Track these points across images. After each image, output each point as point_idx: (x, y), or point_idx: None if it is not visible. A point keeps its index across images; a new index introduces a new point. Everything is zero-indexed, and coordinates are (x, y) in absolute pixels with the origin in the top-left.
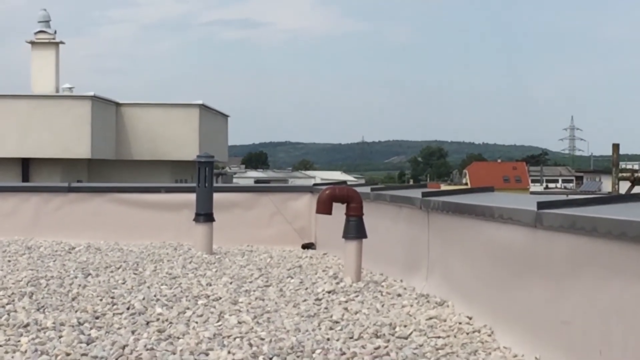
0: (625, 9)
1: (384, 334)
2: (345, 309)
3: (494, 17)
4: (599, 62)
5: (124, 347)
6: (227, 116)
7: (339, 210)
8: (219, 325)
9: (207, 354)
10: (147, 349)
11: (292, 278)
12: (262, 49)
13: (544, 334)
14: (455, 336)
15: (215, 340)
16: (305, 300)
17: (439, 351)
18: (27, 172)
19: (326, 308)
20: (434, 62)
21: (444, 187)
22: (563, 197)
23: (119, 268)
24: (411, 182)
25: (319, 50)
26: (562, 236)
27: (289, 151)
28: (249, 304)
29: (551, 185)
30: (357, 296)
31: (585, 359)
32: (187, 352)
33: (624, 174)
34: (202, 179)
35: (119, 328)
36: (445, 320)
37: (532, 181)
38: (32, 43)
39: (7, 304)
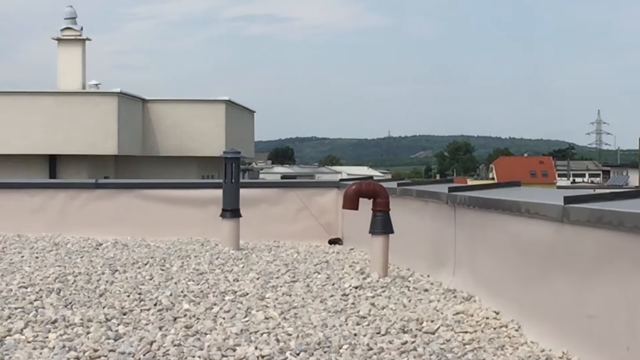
0: None
1: (411, 329)
2: (372, 304)
3: (520, 9)
4: (627, 55)
5: (151, 343)
6: (254, 112)
7: (366, 205)
8: (246, 321)
9: (234, 350)
10: (175, 345)
11: (319, 273)
12: (287, 44)
13: (571, 329)
14: (482, 331)
15: (242, 336)
16: (332, 296)
17: (466, 346)
18: (54, 168)
19: (353, 303)
20: (460, 56)
21: (470, 182)
22: (590, 192)
23: (146, 264)
24: (438, 177)
25: (345, 45)
26: (589, 231)
27: (316, 146)
28: (276, 299)
29: (578, 179)
30: (384, 291)
31: (612, 354)
32: (215, 348)
33: None
34: (229, 175)
35: (146, 324)
36: (472, 315)
37: (559, 175)
38: (59, 40)
39: (35, 300)
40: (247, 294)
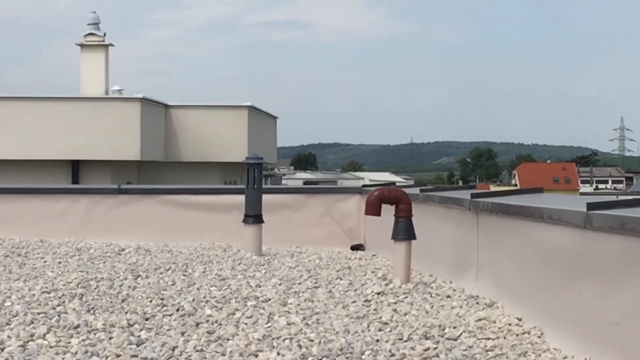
0: None
1: (434, 336)
2: (395, 310)
3: (543, 15)
4: None
5: (173, 349)
6: (276, 117)
7: (388, 211)
8: (268, 327)
9: (256, 356)
10: (197, 351)
11: (341, 279)
12: (310, 50)
13: (594, 335)
14: (505, 337)
15: (264, 341)
16: (354, 302)
17: (489, 353)
18: (76, 174)
19: (375, 309)
20: (483, 62)
21: (493, 188)
22: (613, 198)
23: (168, 269)
24: (460, 183)
25: (368, 51)
26: (611, 237)
27: (338, 152)
28: (298, 305)
29: (601, 186)
30: (406, 297)
31: None
32: (237, 354)
33: None
34: (251, 181)
35: (168, 329)
36: (494, 322)
37: (582, 182)
38: (82, 45)
39: (57, 305)
40: (270, 299)
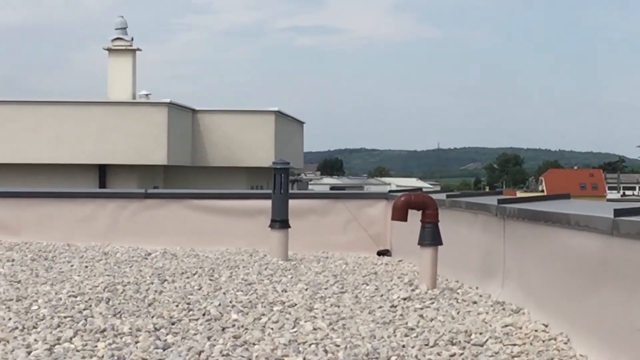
0: None
1: (460, 341)
2: (421, 315)
3: (570, 22)
4: None
5: (199, 353)
6: (303, 123)
7: (415, 217)
8: (295, 332)
9: None
10: (223, 355)
11: (367, 285)
12: (338, 55)
13: (620, 342)
14: (531, 344)
15: (290, 346)
16: (380, 307)
17: (515, 359)
18: (103, 178)
19: (401, 315)
20: (510, 68)
21: (519, 194)
22: None
23: (194, 274)
24: (487, 189)
25: (395, 56)
26: (639, 244)
27: (365, 158)
28: (325, 310)
29: (628, 192)
30: (432, 303)
31: None
32: (263, 358)
33: None
34: (278, 186)
35: (194, 334)
36: (521, 328)
37: (609, 188)
38: (109, 50)
39: (84, 309)
40: (296, 304)
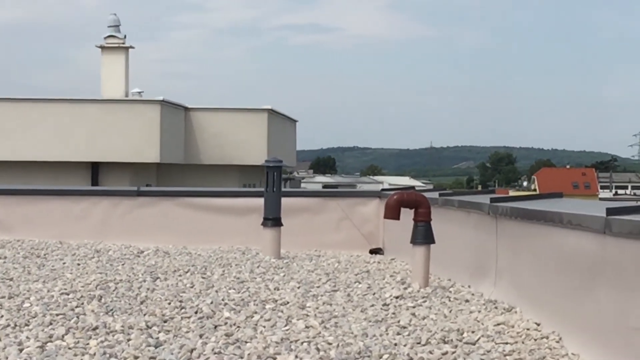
0: None
1: (452, 340)
2: (413, 314)
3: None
4: None
5: (192, 351)
6: (296, 121)
7: (407, 215)
8: (287, 330)
9: (274, 358)
10: (215, 353)
11: (359, 283)
12: (331, 54)
13: (613, 341)
14: (523, 342)
15: (282, 344)
16: (372, 305)
17: (507, 357)
18: (96, 175)
19: (394, 313)
20: (503, 68)
21: (512, 193)
22: (633, 204)
23: (187, 272)
24: (479, 188)
25: (388, 55)
26: (631, 242)
27: (357, 156)
28: (317, 308)
29: (620, 191)
30: (424, 301)
31: None
32: (255, 356)
33: None
34: (271, 184)
35: (187, 332)
36: (513, 326)
37: (601, 187)
38: (102, 47)
39: (76, 307)
40: (288, 302)
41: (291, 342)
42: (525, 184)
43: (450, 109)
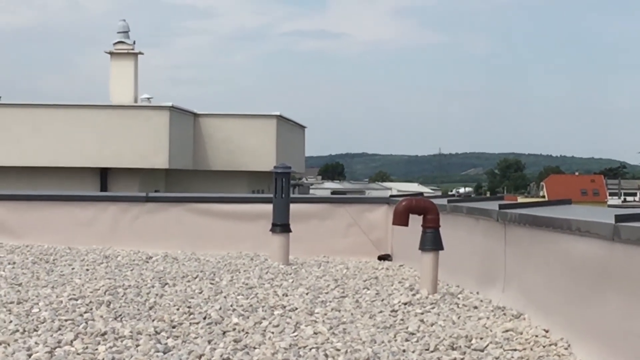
0: None
1: (460, 346)
2: (421, 320)
3: (573, 27)
4: None
5: (200, 357)
6: (305, 127)
7: (416, 222)
8: (295, 336)
9: None
10: (224, 359)
11: (368, 289)
12: (339, 60)
13: (621, 348)
14: (531, 349)
15: (291, 350)
16: (381, 312)
17: None
18: (105, 181)
19: (402, 319)
20: (512, 74)
21: (521, 200)
22: None
23: (195, 278)
24: (488, 195)
25: (396, 61)
26: None
27: (366, 162)
28: (325, 314)
29: (629, 198)
30: (433, 308)
31: None
32: None
33: None
34: (279, 190)
35: (195, 337)
36: (521, 333)
37: (610, 194)
38: (111, 53)
39: (85, 312)
40: (296, 308)
41: (299, 348)
42: (534, 190)
43: (459, 115)
